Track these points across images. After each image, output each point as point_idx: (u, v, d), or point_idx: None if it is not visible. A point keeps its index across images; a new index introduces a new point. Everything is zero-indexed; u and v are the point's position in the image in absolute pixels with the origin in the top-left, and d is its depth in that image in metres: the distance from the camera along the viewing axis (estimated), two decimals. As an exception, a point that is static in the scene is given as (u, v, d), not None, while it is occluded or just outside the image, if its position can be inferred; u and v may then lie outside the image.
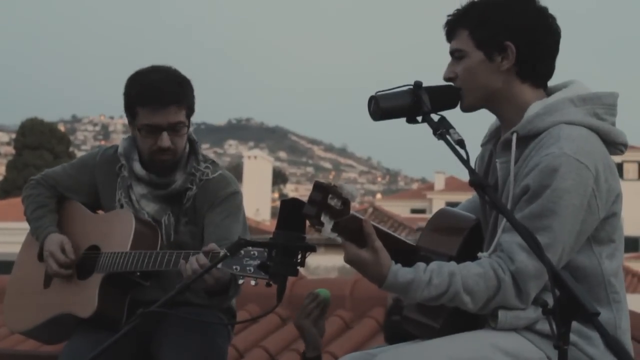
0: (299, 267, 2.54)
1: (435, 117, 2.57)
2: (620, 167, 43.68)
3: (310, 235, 2.88)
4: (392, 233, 2.67)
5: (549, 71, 2.74)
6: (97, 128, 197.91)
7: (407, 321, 2.77)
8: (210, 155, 3.67)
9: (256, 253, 2.91)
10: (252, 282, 2.98)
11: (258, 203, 39.66)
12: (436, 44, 2.82)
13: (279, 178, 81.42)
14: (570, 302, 2.11)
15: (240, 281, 3.00)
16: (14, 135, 63.67)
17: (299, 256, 2.54)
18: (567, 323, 2.11)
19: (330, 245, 21.15)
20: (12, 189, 43.84)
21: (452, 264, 2.56)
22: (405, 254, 2.64)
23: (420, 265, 2.55)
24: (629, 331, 2.70)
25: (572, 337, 2.32)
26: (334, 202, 2.43)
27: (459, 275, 2.53)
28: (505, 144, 2.68)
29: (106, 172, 3.58)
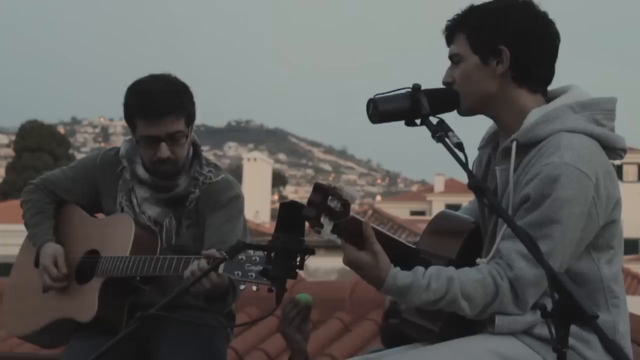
0: (297, 270, 2.53)
1: (433, 119, 2.57)
2: (619, 169, 43.68)
3: (310, 237, 2.87)
4: (392, 235, 2.67)
5: (547, 76, 2.72)
6: (97, 130, 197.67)
7: (406, 324, 2.76)
8: (210, 157, 3.65)
9: (258, 258, 2.86)
10: (254, 288, 2.95)
11: (258, 205, 39.63)
12: (437, 48, 2.82)
13: (278, 180, 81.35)
14: (569, 305, 2.10)
15: (242, 287, 2.94)
16: (13, 138, 63.62)
17: (298, 259, 2.53)
18: (566, 326, 2.11)
19: (330, 248, 21.13)
20: (12, 191, 43.79)
21: (451, 269, 2.56)
22: (405, 257, 2.63)
23: (419, 269, 2.55)
24: (628, 334, 2.69)
25: (571, 340, 2.31)
26: (333, 203, 2.43)
27: (458, 280, 2.52)
28: (505, 152, 2.66)
29: (107, 174, 3.57)
